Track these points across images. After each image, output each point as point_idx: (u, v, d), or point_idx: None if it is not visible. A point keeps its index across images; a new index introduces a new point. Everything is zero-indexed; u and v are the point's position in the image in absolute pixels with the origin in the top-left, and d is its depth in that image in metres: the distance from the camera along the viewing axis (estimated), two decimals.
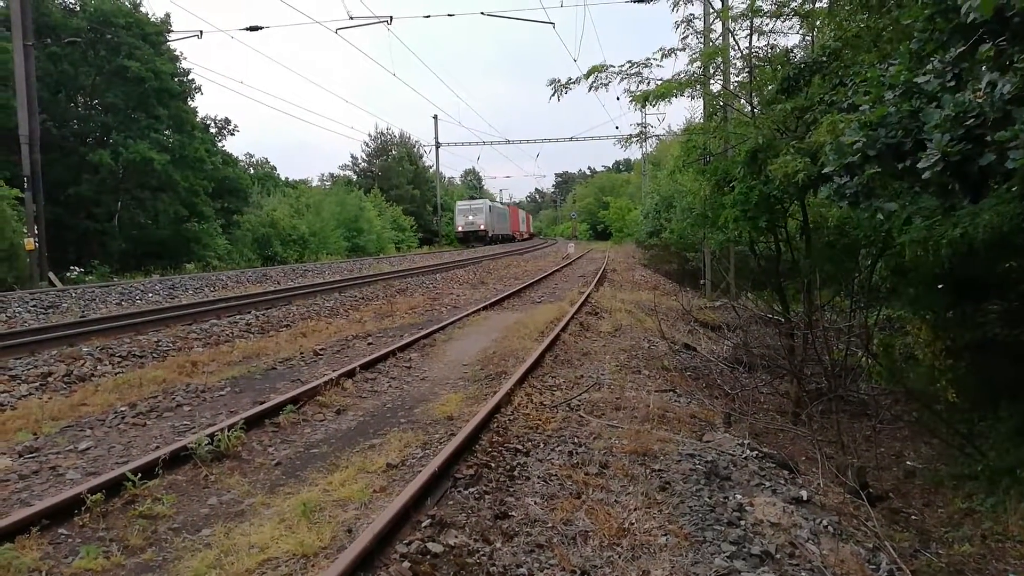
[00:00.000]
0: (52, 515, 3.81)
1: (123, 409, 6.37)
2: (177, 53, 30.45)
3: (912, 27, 4.96)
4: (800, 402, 9.21)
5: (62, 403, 6.62)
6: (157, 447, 5.16)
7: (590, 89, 11.03)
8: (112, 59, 26.55)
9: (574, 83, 11.23)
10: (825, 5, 9.81)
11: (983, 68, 3.79)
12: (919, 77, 4.20)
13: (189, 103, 30.18)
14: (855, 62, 7.54)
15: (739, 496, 4.56)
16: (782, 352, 10.66)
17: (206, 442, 4.85)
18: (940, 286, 7.92)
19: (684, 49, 11.19)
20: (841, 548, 4.11)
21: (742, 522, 4.14)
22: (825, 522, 4.42)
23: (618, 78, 10.92)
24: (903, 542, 5.45)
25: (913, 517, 6.68)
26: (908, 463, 8.13)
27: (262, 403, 6.20)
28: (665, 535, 3.85)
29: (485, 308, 13.19)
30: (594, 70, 10.99)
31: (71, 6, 27.74)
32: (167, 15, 30.85)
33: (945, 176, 3.84)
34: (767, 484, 4.89)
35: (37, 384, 7.43)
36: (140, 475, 4.29)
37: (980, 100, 3.66)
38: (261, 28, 23.22)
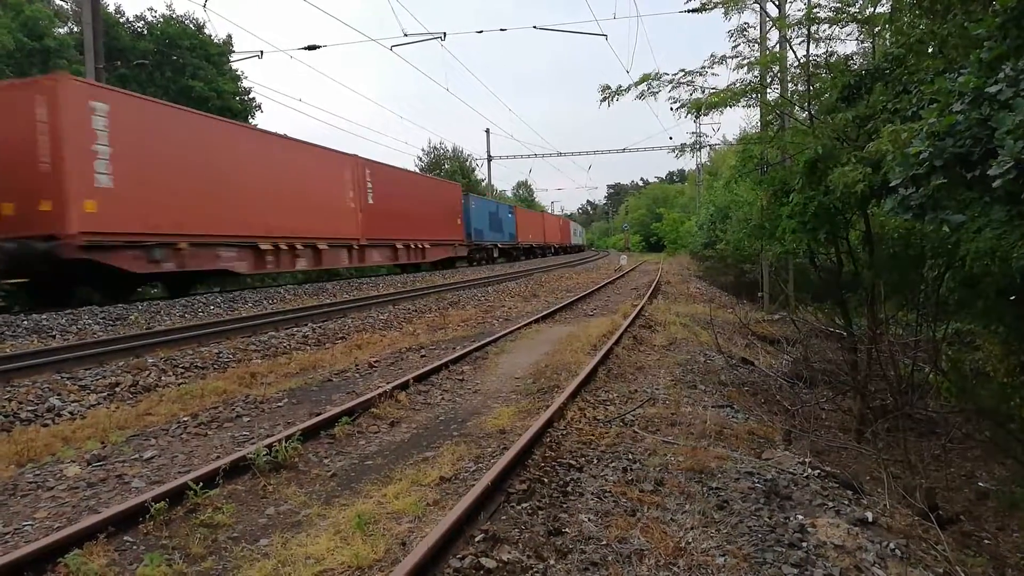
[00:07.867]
0: (118, 522, 3.92)
1: (185, 419, 6.55)
2: (239, 73, 31.58)
3: (980, 35, 4.79)
4: (864, 419, 8.93)
5: (128, 413, 6.85)
6: (218, 457, 5.28)
7: (640, 97, 10.99)
8: (177, 79, 27.65)
9: (624, 91, 11.19)
10: (886, 10, 9.56)
11: None
12: (991, 87, 4.04)
13: (250, 120, 31.16)
14: (919, 69, 7.31)
15: (800, 516, 4.42)
16: (844, 367, 10.37)
17: (264, 453, 4.95)
18: (1012, 298, 7.58)
19: (736, 57, 11.07)
20: (910, 573, 3.94)
21: (804, 544, 4.00)
22: (892, 545, 4.25)
23: (669, 86, 10.85)
24: (976, 568, 5.20)
25: (986, 541, 6.38)
26: (980, 484, 7.78)
27: (318, 415, 6.30)
28: (723, 555, 3.75)
29: (537, 321, 13.16)
30: (645, 78, 10.93)
31: (139, 30, 28.99)
32: (229, 36, 32.09)
33: (1017, 184, 3.68)
34: (830, 504, 4.73)
35: (105, 394, 7.70)
36: (201, 484, 4.39)
37: None
38: (319, 47, 23.88)
